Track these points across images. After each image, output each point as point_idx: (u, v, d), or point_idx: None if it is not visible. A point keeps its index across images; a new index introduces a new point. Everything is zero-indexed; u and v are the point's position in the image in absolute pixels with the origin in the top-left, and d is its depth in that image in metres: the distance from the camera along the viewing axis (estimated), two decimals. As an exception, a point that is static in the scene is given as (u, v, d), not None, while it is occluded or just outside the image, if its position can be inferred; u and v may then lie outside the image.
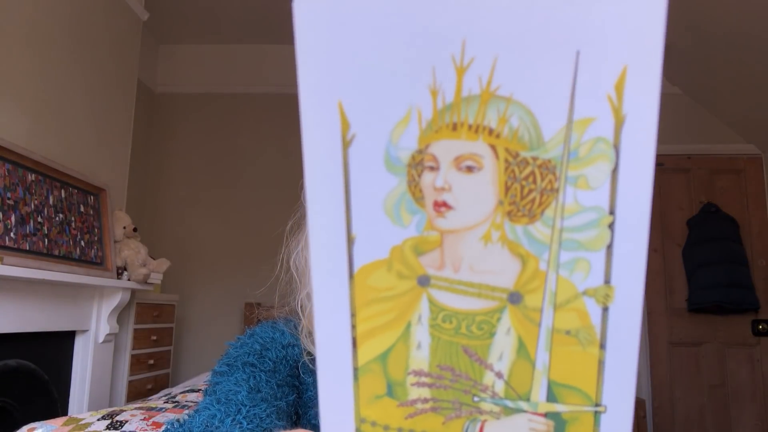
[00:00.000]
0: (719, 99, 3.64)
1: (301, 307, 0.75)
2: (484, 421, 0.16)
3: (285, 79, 3.93)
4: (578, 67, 0.14)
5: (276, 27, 3.74)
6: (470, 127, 0.14)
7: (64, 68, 2.48)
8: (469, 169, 0.15)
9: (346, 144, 0.14)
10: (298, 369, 0.71)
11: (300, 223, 0.80)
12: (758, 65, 3.13)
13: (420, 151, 0.15)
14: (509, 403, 0.16)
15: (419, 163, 0.15)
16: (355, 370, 0.16)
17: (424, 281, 0.16)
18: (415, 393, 0.16)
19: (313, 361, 0.71)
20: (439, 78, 0.14)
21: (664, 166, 3.75)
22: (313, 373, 0.71)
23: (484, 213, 0.15)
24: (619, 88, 0.14)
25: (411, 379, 0.16)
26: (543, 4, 0.13)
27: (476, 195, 0.15)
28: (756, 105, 3.42)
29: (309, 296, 0.74)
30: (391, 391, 0.16)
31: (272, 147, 3.86)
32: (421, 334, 0.16)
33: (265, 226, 3.60)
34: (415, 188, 0.15)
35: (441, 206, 0.15)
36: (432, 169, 0.15)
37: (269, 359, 0.68)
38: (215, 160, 3.88)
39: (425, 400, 0.16)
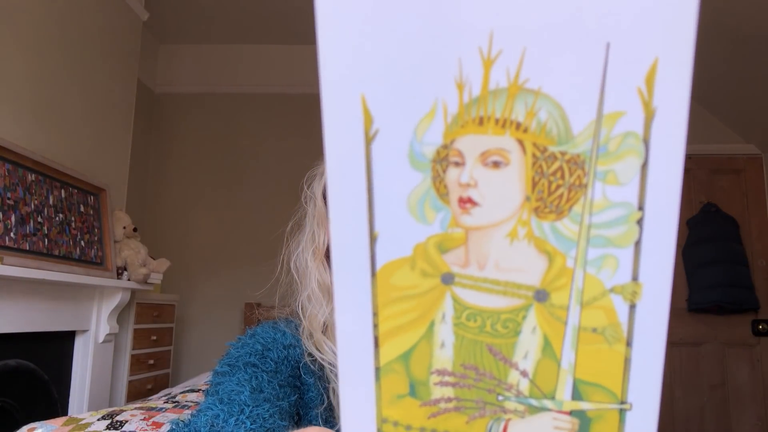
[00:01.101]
0: (719, 99, 3.64)
1: (301, 308, 0.75)
2: (508, 420, 0.16)
3: (286, 79, 3.93)
4: (608, 59, 0.13)
5: (276, 27, 3.74)
6: (497, 121, 0.14)
7: (64, 68, 2.47)
8: (496, 164, 0.14)
9: (369, 139, 0.14)
10: (299, 369, 0.71)
11: (300, 224, 0.79)
12: (758, 65, 3.13)
13: (445, 146, 0.14)
14: (534, 402, 0.16)
15: (444, 159, 0.15)
16: (377, 369, 0.16)
17: (448, 279, 0.15)
18: (438, 392, 0.16)
19: (314, 362, 0.71)
20: (466, 71, 0.13)
21: (664, 166, 3.74)
22: (314, 374, 0.71)
23: (510, 209, 0.15)
24: (650, 81, 0.13)
25: (434, 378, 0.16)
26: None
27: (502, 191, 0.14)
28: (756, 105, 3.42)
29: (309, 298, 0.74)
30: (413, 391, 0.16)
31: (272, 147, 3.86)
32: (444, 332, 0.16)
33: (266, 226, 3.60)
34: (439, 184, 0.15)
35: (466, 203, 0.15)
36: (457, 164, 0.15)
37: (271, 360, 0.68)
38: (215, 160, 3.87)
39: (448, 400, 0.16)
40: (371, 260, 0.15)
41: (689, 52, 0.13)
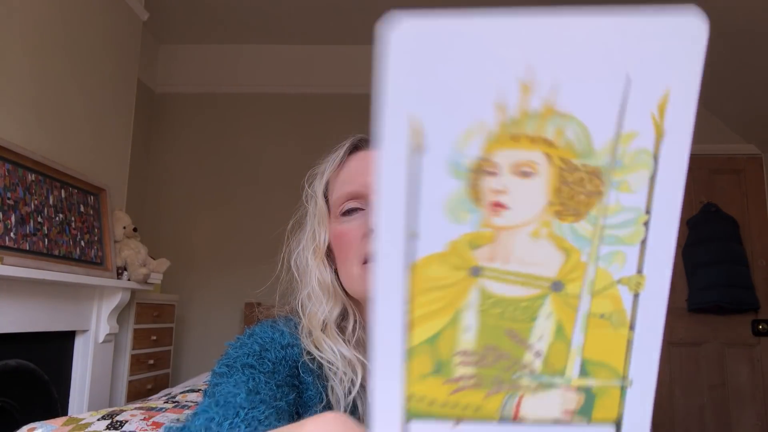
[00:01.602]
0: (719, 99, 3.64)
1: (301, 306, 0.76)
2: (522, 395, 0.19)
3: (286, 79, 3.92)
4: (628, 89, 0.16)
5: (276, 27, 3.73)
6: (530, 138, 0.16)
7: (64, 68, 2.47)
8: (525, 174, 0.17)
9: (416, 151, 0.16)
10: (297, 369, 0.71)
11: (301, 222, 0.80)
12: (758, 65, 3.13)
13: (482, 159, 0.17)
14: (545, 379, 0.19)
15: (481, 169, 0.17)
16: (407, 351, 0.18)
17: (476, 272, 0.18)
18: (460, 371, 0.18)
19: (312, 360, 0.72)
20: (505, 97, 0.16)
21: (664, 166, 3.74)
22: (312, 372, 0.72)
23: (535, 212, 0.17)
24: (662, 107, 0.16)
25: (457, 359, 0.18)
26: (599, 36, 0.15)
27: (530, 197, 0.17)
28: (756, 105, 3.42)
29: (309, 296, 0.75)
30: (438, 370, 0.18)
31: (272, 147, 3.86)
32: (470, 318, 0.18)
33: (265, 226, 3.59)
34: (474, 190, 0.17)
35: (497, 206, 0.17)
36: (492, 174, 0.17)
37: (268, 360, 0.68)
38: (215, 160, 3.87)
39: (469, 378, 0.19)
40: (409, 255, 0.17)
41: (696, 85, 0.16)
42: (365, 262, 0.69)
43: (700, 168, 3.71)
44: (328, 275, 0.74)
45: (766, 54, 3.03)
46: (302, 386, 0.71)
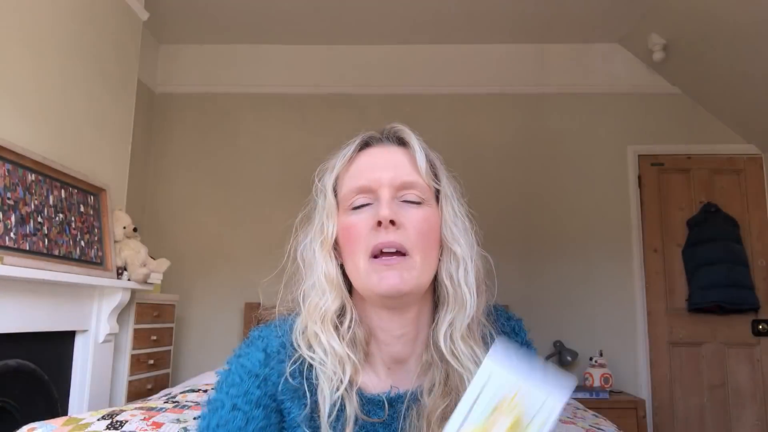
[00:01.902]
0: (719, 99, 3.64)
1: (303, 297, 0.77)
2: None
3: (285, 79, 3.93)
4: (545, 404, 0.54)
5: (276, 27, 3.73)
6: (508, 412, 0.55)
7: (65, 68, 2.48)
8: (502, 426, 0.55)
9: (487, 384, 0.57)
10: (276, 401, 0.73)
11: (310, 215, 0.81)
12: (758, 65, 3.13)
13: (495, 409, 0.55)
14: None
15: (496, 409, 0.55)
16: None
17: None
18: None
19: (299, 369, 0.73)
20: (511, 392, 0.56)
21: (664, 166, 3.74)
22: (295, 391, 0.73)
23: (507, 425, 0.54)
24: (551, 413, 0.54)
25: None
26: (537, 380, 0.57)
27: (504, 421, 0.54)
28: (756, 105, 3.42)
29: (314, 286, 0.76)
30: None
31: (272, 147, 3.86)
32: None
33: (265, 225, 3.60)
34: (493, 408, 0.55)
35: (497, 417, 0.55)
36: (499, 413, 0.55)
37: (242, 411, 0.71)
38: (215, 160, 3.87)
39: None
40: (461, 422, 0.54)
41: (559, 412, 0.55)
42: (372, 255, 0.71)
43: (700, 168, 3.71)
44: (333, 268, 0.76)
45: (766, 54, 3.02)
46: (284, 412, 0.73)
